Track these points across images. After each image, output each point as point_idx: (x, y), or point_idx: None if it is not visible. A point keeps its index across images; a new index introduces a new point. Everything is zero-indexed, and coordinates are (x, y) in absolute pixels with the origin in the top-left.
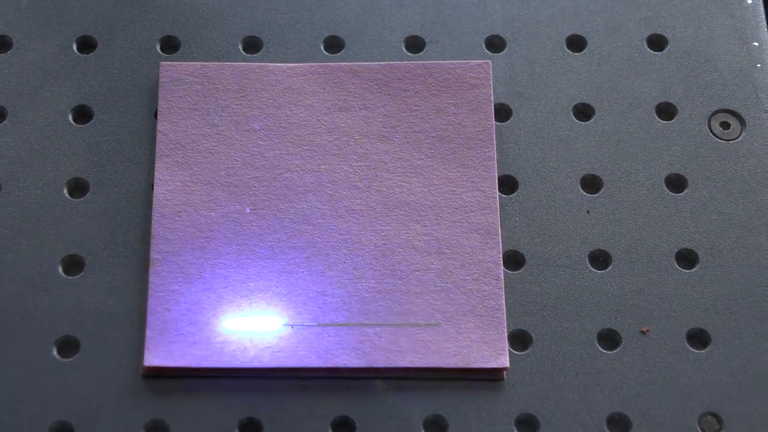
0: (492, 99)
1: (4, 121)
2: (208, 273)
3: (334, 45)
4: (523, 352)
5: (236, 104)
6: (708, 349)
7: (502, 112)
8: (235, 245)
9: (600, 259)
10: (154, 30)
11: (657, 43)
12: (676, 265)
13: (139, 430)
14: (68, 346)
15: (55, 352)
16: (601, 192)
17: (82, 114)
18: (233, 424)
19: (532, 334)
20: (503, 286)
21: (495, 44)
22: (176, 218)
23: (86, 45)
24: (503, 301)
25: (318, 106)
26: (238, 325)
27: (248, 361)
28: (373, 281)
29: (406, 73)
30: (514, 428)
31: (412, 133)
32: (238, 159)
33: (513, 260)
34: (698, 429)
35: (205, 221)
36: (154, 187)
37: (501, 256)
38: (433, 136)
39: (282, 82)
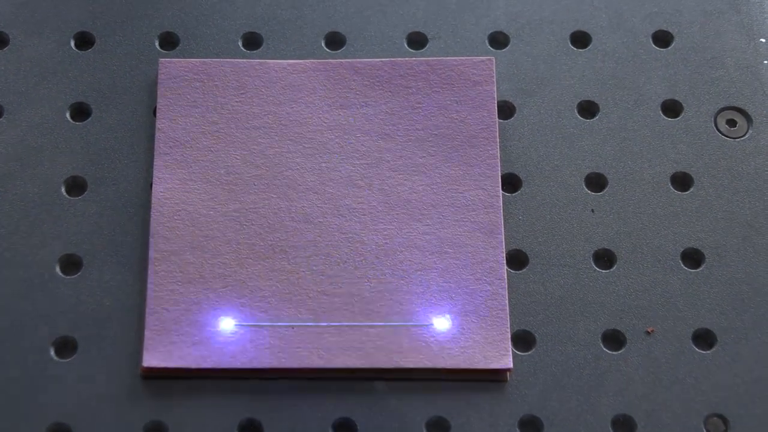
0: (495, 96)
1: (1, 119)
2: (207, 272)
3: (335, 41)
4: (526, 353)
5: (236, 101)
6: (714, 349)
7: (506, 110)
8: (235, 244)
9: (604, 259)
10: (153, 26)
11: (663, 39)
12: (682, 265)
13: None
14: (66, 346)
15: (52, 353)
16: (605, 190)
17: (80, 111)
18: (233, 426)
19: (536, 335)
20: (506, 286)
21: (498, 40)
22: (175, 217)
23: (84, 41)
24: (506, 301)
25: (319, 103)
26: (237, 325)
27: (248, 362)
28: (374, 281)
29: (408, 70)
30: (517, 430)
31: (414, 130)
32: (238, 157)
33: (516, 259)
34: (704, 431)
35: (204, 220)
36: (153, 185)
37: (504, 255)
38: (436, 134)
39: (282, 79)
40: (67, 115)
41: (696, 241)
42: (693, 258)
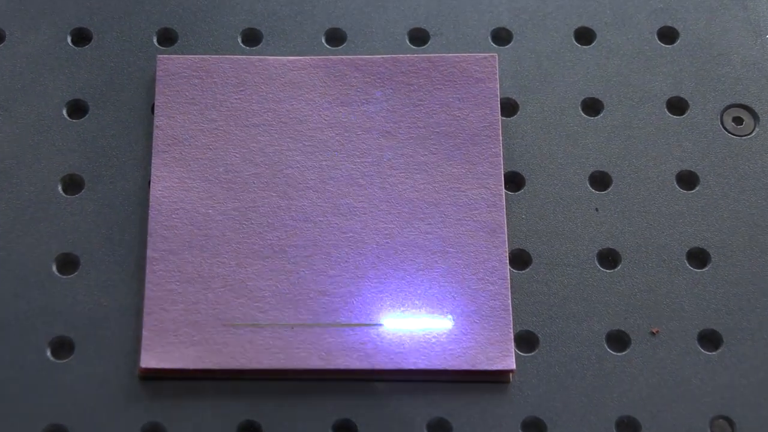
0: (498, 93)
1: None
2: (206, 272)
3: (335, 37)
4: (529, 354)
5: (235, 98)
6: (720, 350)
7: (509, 107)
8: (234, 243)
9: (609, 258)
10: (151, 22)
11: (668, 35)
12: (687, 265)
13: None
14: (62, 346)
15: (48, 353)
16: (610, 189)
17: (77, 109)
18: (232, 427)
19: (539, 335)
20: (509, 286)
21: (501, 37)
22: (173, 216)
23: (81, 37)
24: (509, 302)
25: (319, 100)
26: (237, 325)
27: (247, 363)
28: (375, 280)
29: (409, 67)
30: None
31: (416, 128)
32: (237, 155)
33: (519, 259)
34: None
35: (203, 219)
36: (151, 183)
37: (507, 254)
38: (438, 132)
39: (282, 75)
40: (64, 112)
41: (702, 240)
42: (699, 258)
